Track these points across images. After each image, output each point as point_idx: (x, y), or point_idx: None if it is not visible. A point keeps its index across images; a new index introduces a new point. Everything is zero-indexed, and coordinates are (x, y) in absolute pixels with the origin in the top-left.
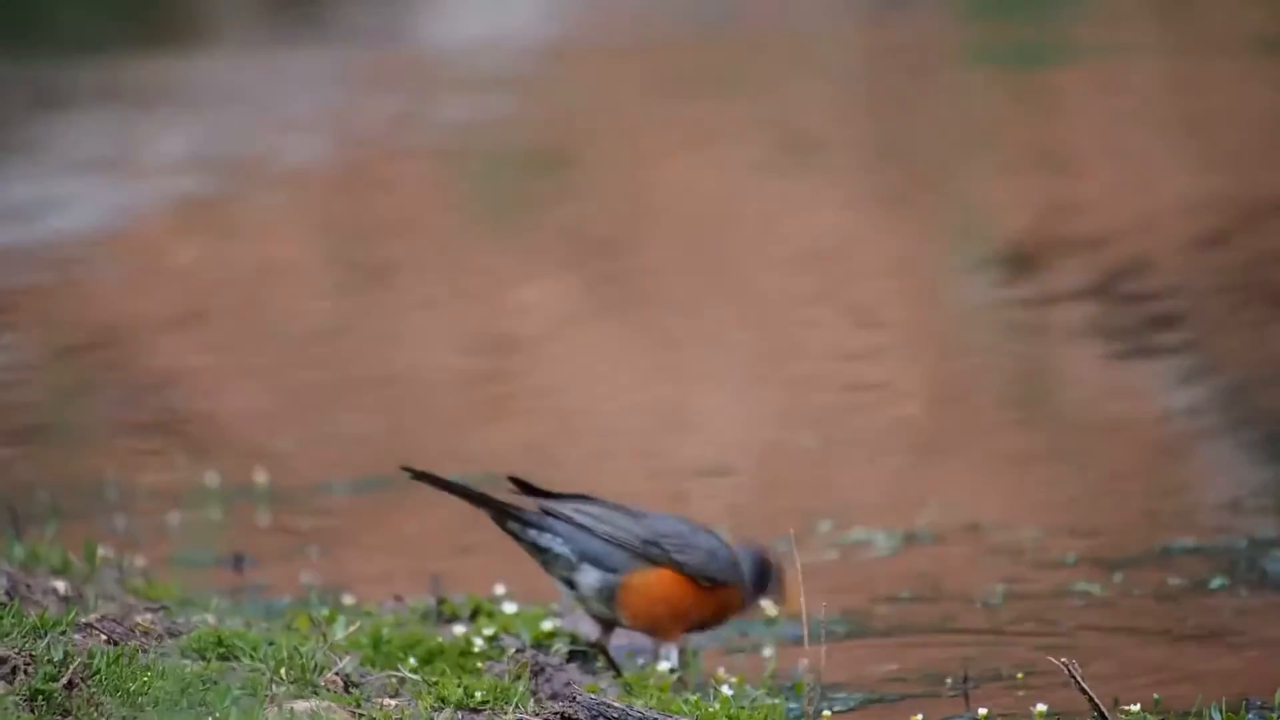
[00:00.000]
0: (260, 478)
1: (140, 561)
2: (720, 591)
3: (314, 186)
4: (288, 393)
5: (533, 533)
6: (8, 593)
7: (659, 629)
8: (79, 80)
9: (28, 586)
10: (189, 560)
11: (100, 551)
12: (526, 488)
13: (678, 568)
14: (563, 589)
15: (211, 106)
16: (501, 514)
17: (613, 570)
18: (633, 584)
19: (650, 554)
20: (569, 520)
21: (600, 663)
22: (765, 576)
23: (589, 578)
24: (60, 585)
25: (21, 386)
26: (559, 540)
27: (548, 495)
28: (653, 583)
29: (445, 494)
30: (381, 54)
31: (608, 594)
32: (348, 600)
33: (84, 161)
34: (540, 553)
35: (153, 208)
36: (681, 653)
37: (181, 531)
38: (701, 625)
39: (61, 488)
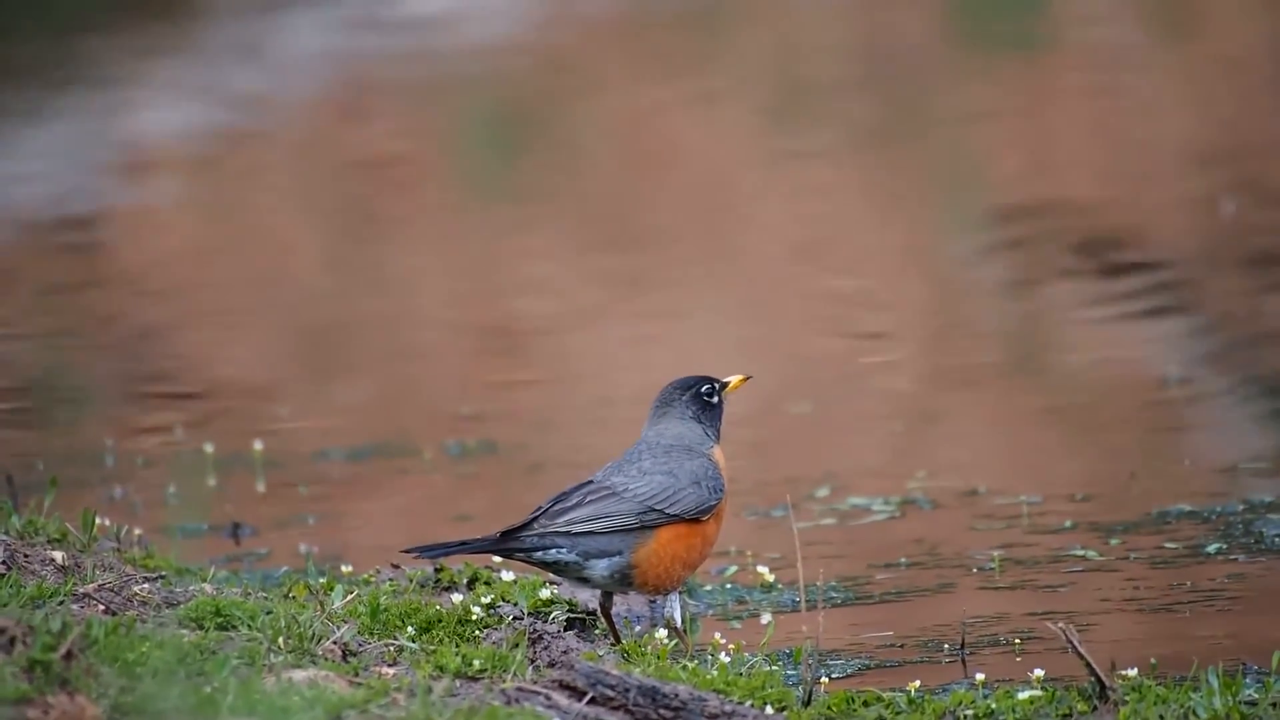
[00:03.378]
0: (257, 445)
1: (138, 531)
2: (719, 510)
3: (304, 148)
4: (284, 359)
5: (538, 554)
6: (5, 563)
7: (674, 584)
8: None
9: (25, 556)
10: (186, 529)
11: (98, 521)
12: (512, 530)
13: (677, 520)
14: (579, 586)
15: (202, 72)
16: (507, 551)
17: (618, 553)
18: (640, 559)
19: (649, 521)
20: (566, 534)
21: (599, 629)
22: (716, 411)
23: (599, 569)
24: (58, 555)
25: (18, 358)
26: (563, 550)
27: (534, 518)
28: (659, 549)
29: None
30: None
31: (620, 575)
32: (345, 569)
33: (81, 130)
34: (550, 566)
35: (150, 177)
36: (683, 620)
37: (179, 500)
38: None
39: (59, 457)
